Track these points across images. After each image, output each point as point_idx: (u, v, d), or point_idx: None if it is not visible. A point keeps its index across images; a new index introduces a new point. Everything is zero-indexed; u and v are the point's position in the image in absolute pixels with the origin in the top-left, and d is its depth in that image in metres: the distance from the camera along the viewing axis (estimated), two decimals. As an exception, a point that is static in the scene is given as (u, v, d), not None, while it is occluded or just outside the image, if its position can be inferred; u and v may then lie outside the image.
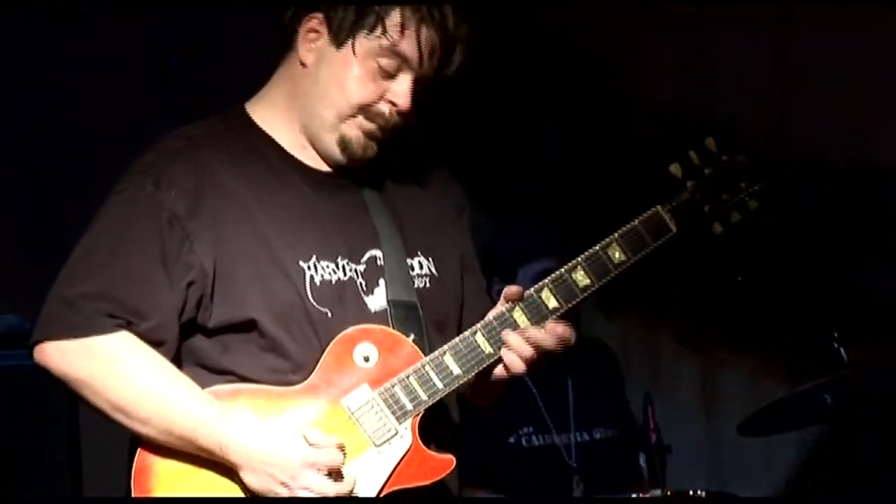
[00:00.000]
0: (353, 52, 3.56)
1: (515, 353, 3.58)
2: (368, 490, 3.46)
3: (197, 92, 6.78)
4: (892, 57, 7.30)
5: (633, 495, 4.87)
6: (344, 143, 3.60)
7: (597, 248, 3.68)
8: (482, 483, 5.63)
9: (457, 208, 3.84)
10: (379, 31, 3.55)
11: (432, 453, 3.53)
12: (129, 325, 3.47)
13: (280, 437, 3.42)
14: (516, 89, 7.10)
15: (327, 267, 3.56)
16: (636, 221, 3.71)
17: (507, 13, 7.00)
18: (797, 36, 7.33)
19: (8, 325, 5.60)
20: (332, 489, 3.40)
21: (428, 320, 3.64)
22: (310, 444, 3.41)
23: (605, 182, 7.13)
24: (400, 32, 3.55)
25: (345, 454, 3.44)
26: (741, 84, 7.32)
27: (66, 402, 5.15)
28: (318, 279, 3.55)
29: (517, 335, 3.57)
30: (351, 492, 3.43)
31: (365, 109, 3.59)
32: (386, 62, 3.57)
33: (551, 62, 7.19)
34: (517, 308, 3.60)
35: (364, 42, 3.56)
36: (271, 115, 3.68)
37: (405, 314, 3.59)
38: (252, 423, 3.44)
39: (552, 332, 3.61)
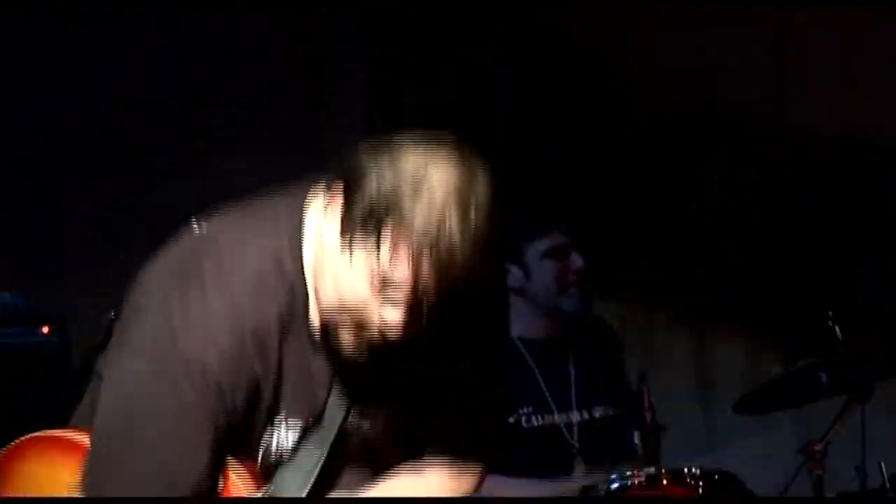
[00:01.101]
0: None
1: None
2: None
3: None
4: (891, 55, 7.29)
5: (629, 472, 4.86)
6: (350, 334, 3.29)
7: None
8: (498, 465, 5.57)
9: None
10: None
11: None
12: None
13: None
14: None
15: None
16: None
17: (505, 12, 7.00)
18: (796, 33, 7.31)
19: (3, 304, 5.58)
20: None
21: None
22: None
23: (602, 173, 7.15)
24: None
25: None
26: (740, 83, 7.30)
27: (63, 379, 5.15)
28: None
29: None
30: None
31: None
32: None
33: (548, 59, 7.17)
34: None
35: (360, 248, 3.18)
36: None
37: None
38: None
39: None
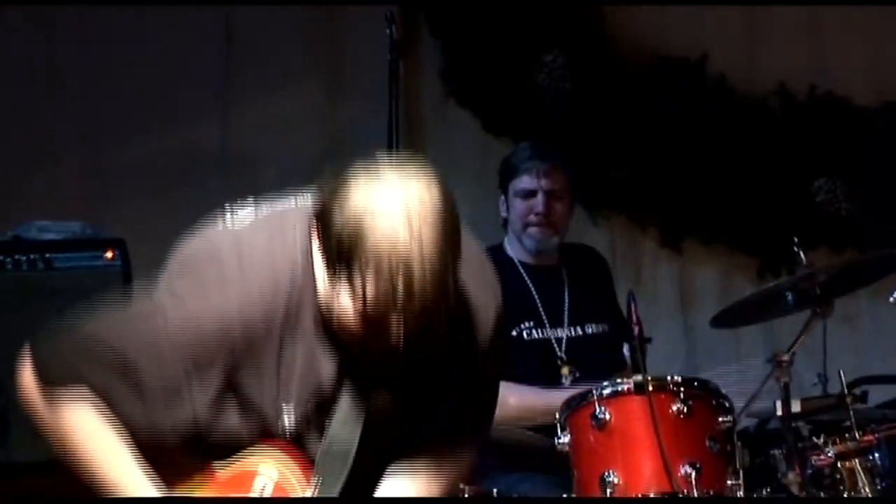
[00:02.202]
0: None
1: None
2: None
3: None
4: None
5: (619, 380, 4.87)
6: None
7: None
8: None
9: None
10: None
11: None
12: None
13: None
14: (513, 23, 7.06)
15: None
16: None
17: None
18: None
19: (73, 231, 5.64)
20: None
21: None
22: None
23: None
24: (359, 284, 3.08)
25: None
26: (713, 24, 7.32)
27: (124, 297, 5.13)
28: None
29: None
30: None
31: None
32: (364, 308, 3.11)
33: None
34: None
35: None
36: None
37: (335, 453, 3.35)
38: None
39: None
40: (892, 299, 5.37)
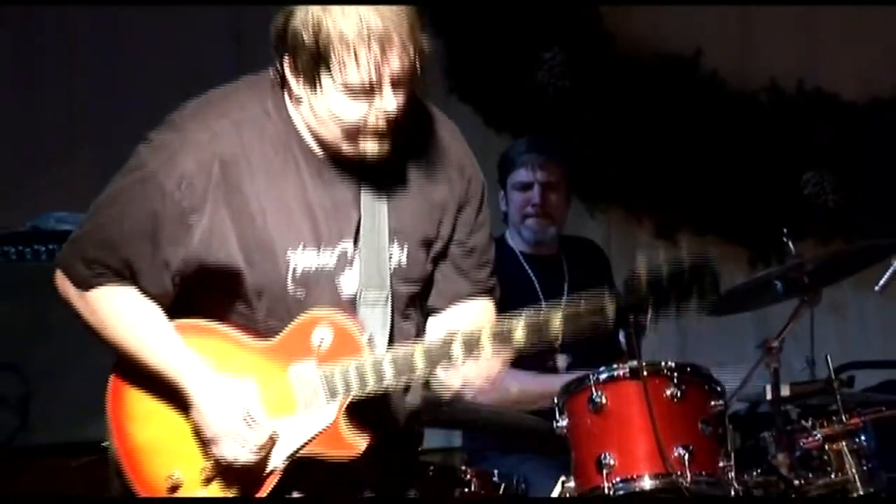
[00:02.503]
0: (323, 91, 3.34)
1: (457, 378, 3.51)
2: (286, 446, 3.44)
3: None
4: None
5: (615, 365, 4.87)
6: (360, 155, 3.41)
7: (539, 316, 3.56)
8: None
9: (459, 199, 3.62)
10: (334, 69, 3.30)
11: (346, 435, 3.45)
12: (118, 280, 3.45)
13: (224, 403, 3.40)
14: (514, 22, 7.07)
15: (310, 254, 3.45)
16: (581, 305, 3.61)
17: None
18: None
19: None
20: (245, 458, 3.39)
21: (395, 305, 3.53)
22: (245, 421, 3.39)
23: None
24: (346, 68, 3.30)
25: (275, 420, 3.42)
26: (706, 23, 7.34)
27: None
28: (300, 268, 3.44)
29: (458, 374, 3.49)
30: (274, 441, 3.42)
31: (360, 127, 3.37)
32: (355, 88, 3.32)
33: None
34: (459, 341, 3.47)
35: (328, 81, 3.33)
36: (296, 105, 3.47)
37: (374, 300, 3.49)
38: (208, 379, 3.41)
39: (480, 369, 3.53)
40: (877, 288, 5.37)
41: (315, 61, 3.31)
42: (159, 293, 3.46)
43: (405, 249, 3.55)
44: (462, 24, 6.96)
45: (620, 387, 4.79)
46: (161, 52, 6.65)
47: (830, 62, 7.32)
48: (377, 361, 3.43)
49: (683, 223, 7.18)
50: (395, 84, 3.34)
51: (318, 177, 3.47)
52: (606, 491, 4.67)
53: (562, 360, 5.67)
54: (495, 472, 5.07)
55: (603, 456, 4.70)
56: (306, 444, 3.45)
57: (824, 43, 7.34)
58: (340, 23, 3.28)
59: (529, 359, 5.49)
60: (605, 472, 4.70)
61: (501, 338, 3.49)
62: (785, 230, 5.24)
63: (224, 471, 3.44)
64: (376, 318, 3.51)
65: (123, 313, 3.46)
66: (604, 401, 4.75)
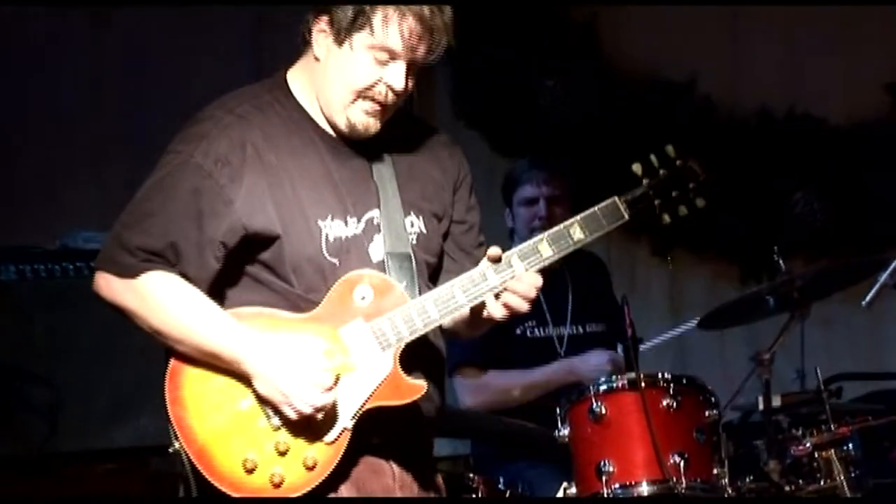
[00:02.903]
0: (351, 48, 3.50)
1: (511, 293, 3.57)
2: (351, 404, 3.46)
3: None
4: (827, 25, 7.35)
5: (614, 376, 4.88)
6: (350, 124, 3.55)
7: (561, 226, 3.61)
8: (497, 365, 5.69)
9: (454, 180, 3.74)
10: (368, 28, 3.47)
11: (407, 380, 3.49)
12: (165, 265, 3.46)
13: (286, 359, 3.42)
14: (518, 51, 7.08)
15: (339, 224, 3.53)
16: (596, 208, 3.65)
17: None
18: (746, 2, 7.37)
19: None
20: (320, 401, 3.40)
21: (418, 269, 3.61)
22: (309, 365, 3.42)
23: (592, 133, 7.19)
24: (384, 28, 3.47)
25: (337, 376, 3.44)
26: (702, 49, 7.36)
27: None
28: (332, 236, 3.52)
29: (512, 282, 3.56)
30: (335, 405, 3.44)
31: (363, 93, 3.52)
32: (378, 54, 3.49)
33: (548, 29, 7.21)
34: (490, 269, 3.54)
35: (358, 38, 3.49)
36: (302, 90, 3.62)
37: (399, 263, 3.56)
38: (263, 343, 3.43)
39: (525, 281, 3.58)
40: (863, 303, 5.38)
41: (356, 16, 3.48)
42: (203, 276, 3.48)
43: (421, 219, 3.65)
44: (469, 52, 6.97)
45: (619, 397, 4.81)
46: (187, 72, 6.63)
47: (818, 89, 7.34)
48: (420, 304, 3.52)
49: (679, 241, 7.19)
50: (410, 68, 3.52)
51: (335, 153, 3.58)
52: (606, 496, 4.70)
53: (560, 332, 5.71)
54: (500, 478, 5.10)
55: (602, 463, 4.73)
56: (370, 397, 3.48)
57: (812, 70, 7.35)
58: None
59: (531, 367, 5.58)
60: (604, 478, 4.73)
61: (529, 256, 3.57)
62: (775, 248, 5.26)
63: (298, 437, 3.45)
64: (404, 279, 3.57)
65: (174, 296, 3.46)
66: (603, 411, 4.77)
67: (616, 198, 3.68)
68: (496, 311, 3.57)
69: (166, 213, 3.46)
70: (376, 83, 3.52)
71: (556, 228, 3.62)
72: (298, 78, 3.64)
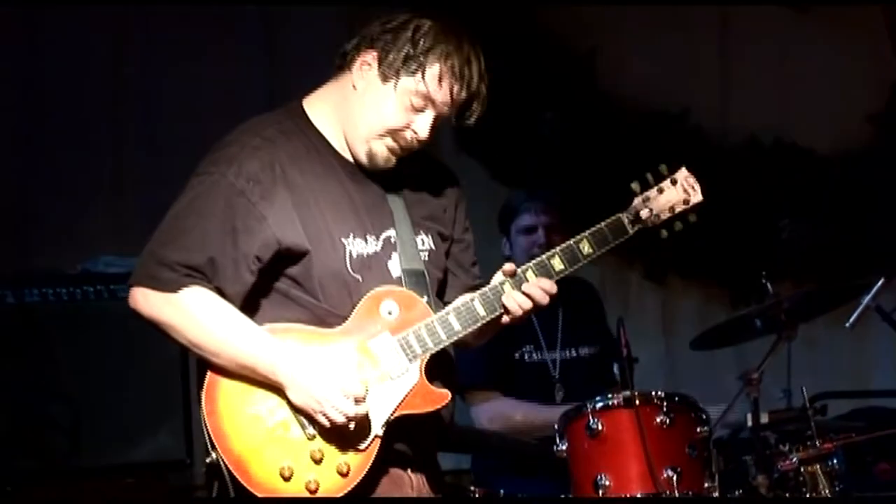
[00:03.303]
0: (395, 89, 3.56)
1: (526, 298, 3.65)
2: (382, 412, 3.52)
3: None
4: (814, 58, 7.37)
5: (609, 395, 4.89)
6: (370, 155, 3.62)
7: (571, 242, 3.71)
8: (495, 387, 5.71)
9: (454, 203, 3.82)
10: (419, 76, 3.55)
11: (433, 388, 3.57)
12: (203, 281, 3.50)
13: (320, 369, 3.47)
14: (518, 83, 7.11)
15: (360, 242, 3.60)
16: (602, 224, 3.76)
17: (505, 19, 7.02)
18: (737, 37, 7.39)
19: (134, 265, 5.62)
20: (353, 410, 3.45)
21: (430, 284, 3.68)
22: (342, 375, 3.47)
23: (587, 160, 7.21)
24: (437, 83, 3.55)
25: (367, 386, 3.50)
26: (694, 82, 7.39)
27: None
28: (354, 253, 3.58)
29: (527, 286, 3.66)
30: (368, 413, 3.49)
31: (392, 132, 3.60)
32: (417, 101, 3.56)
33: (547, 62, 7.24)
34: (507, 282, 3.65)
35: (405, 81, 3.55)
36: (323, 117, 3.67)
37: (415, 279, 3.63)
38: (298, 355, 3.49)
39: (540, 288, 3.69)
40: (847, 325, 5.40)
41: (409, 60, 3.55)
42: (238, 290, 3.53)
43: (430, 237, 3.73)
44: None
45: (615, 414, 4.82)
46: (206, 100, 6.63)
47: (805, 120, 7.37)
48: (442, 317, 3.59)
49: (671, 266, 7.21)
50: (436, 121, 3.61)
51: (353, 177, 3.65)
52: (602, 506, 4.74)
53: (557, 392, 5.70)
54: (501, 491, 5.12)
55: (599, 477, 4.74)
56: (399, 405, 3.54)
57: (799, 102, 7.38)
58: (454, 53, 3.56)
59: (530, 390, 5.58)
60: (601, 491, 4.74)
61: (543, 268, 3.68)
62: (763, 272, 5.28)
63: (332, 445, 3.49)
64: (422, 294, 3.64)
65: (212, 311, 3.49)
66: (600, 427, 4.78)
67: (621, 214, 3.80)
68: (513, 307, 3.65)
69: (202, 229, 3.51)
70: (406, 127, 3.59)
71: (566, 244, 3.72)
72: (319, 105, 3.70)
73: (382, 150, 3.61)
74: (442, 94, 3.57)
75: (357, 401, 3.46)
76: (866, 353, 7.18)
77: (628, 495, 4.72)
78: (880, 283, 5.39)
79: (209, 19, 6.70)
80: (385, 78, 3.57)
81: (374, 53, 3.59)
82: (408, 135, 3.60)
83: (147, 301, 3.52)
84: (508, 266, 3.67)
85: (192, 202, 3.55)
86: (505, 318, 3.69)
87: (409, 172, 3.73)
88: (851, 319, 5.43)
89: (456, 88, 3.57)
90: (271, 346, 3.49)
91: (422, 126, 3.59)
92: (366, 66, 3.60)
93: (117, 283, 5.52)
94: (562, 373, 5.75)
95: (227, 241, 3.51)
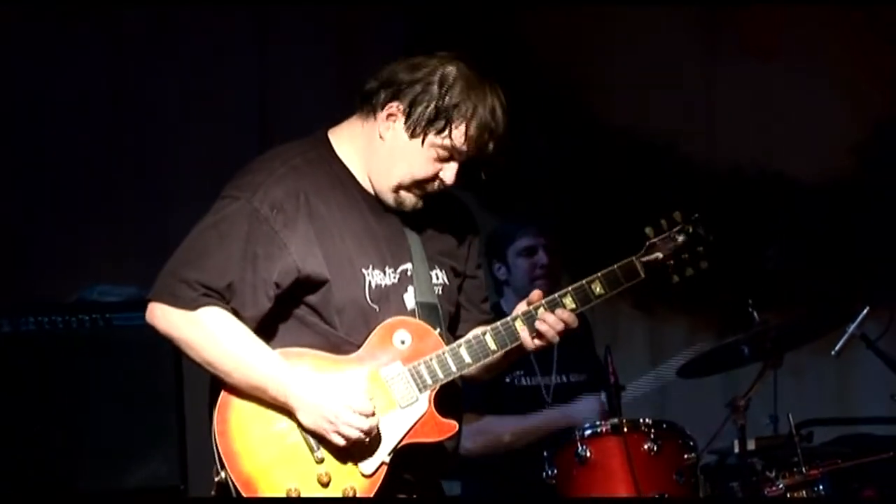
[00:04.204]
0: (422, 143, 3.57)
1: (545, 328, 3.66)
2: (390, 440, 3.53)
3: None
4: (797, 90, 7.38)
5: (598, 422, 4.89)
6: (399, 201, 3.64)
7: (583, 281, 3.71)
8: (487, 411, 5.68)
9: (468, 240, 3.84)
10: (446, 133, 3.55)
11: (441, 418, 3.58)
12: (220, 302, 3.51)
13: (330, 389, 3.49)
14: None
15: (379, 274, 3.62)
16: (615, 266, 3.76)
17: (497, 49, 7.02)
18: (723, 71, 7.41)
19: (130, 294, 5.66)
20: (365, 424, 3.46)
21: (443, 317, 3.70)
22: (352, 396, 3.49)
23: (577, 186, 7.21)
24: (464, 138, 3.57)
25: (376, 412, 3.51)
26: (681, 112, 7.39)
27: (171, 356, 5.16)
28: (373, 283, 3.60)
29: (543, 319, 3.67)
30: (378, 437, 3.51)
31: (419, 182, 3.62)
32: (444, 153, 3.59)
33: (538, 93, 7.24)
34: (519, 319, 3.67)
35: (431, 137, 3.56)
36: (348, 153, 3.68)
37: (428, 312, 3.65)
38: (309, 378, 3.50)
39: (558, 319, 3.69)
40: (833, 353, 5.40)
41: (436, 117, 3.55)
42: (255, 314, 3.54)
43: (444, 273, 3.74)
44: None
45: (603, 441, 4.84)
46: (194, 127, 6.62)
47: (789, 150, 7.37)
48: (454, 349, 3.61)
49: (659, 295, 7.19)
50: (460, 169, 3.61)
51: (374, 210, 3.67)
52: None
53: (546, 381, 5.69)
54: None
55: (588, 504, 4.73)
56: (407, 434, 3.55)
57: (784, 133, 7.38)
58: (480, 105, 3.57)
59: (521, 412, 5.56)
60: (589, 518, 4.72)
61: (555, 306, 3.67)
62: (750, 301, 5.29)
63: (339, 469, 3.50)
64: (436, 327, 3.66)
65: (228, 330, 3.51)
66: (588, 454, 4.79)
67: (633, 258, 3.79)
68: (529, 344, 3.67)
69: (224, 253, 3.52)
70: (434, 177, 3.62)
71: (577, 284, 3.72)
72: (345, 141, 3.70)
73: (411, 198, 3.64)
74: (468, 147, 3.59)
75: (367, 416, 3.47)
76: (852, 381, 7.16)
77: (616, 522, 4.72)
78: (865, 311, 5.41)
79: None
80: (413, 134, 3.58)
81: (401, 106, 3.58)
82: (436, 184, 3.63)
83: (165, 317, 3.54)
84: (536, 293, 3.69)
85: (216, 224, 3.56)
86: (530, 345, 3.68)
87: (428, 207, 3.73)
88: (837, 347, 5.43)
89: (483, 140, 3.58)
90: (283, 369, 3.51)
91: (449, 174, 3.62)
92: (392, 118, 3.60)
93: (112, 311, 5.54)
94: (555, 398, 5.72)
95: (247, 266, 3.52)
